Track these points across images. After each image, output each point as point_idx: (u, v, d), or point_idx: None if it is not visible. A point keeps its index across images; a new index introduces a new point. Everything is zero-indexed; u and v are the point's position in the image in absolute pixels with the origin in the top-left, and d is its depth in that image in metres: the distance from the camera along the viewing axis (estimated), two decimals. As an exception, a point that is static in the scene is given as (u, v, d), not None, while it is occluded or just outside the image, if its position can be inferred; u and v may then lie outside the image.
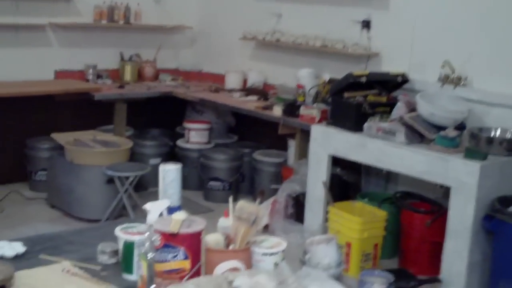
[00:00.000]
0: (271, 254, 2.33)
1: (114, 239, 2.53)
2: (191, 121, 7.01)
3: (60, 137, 5.99)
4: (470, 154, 4.49)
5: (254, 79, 6.94)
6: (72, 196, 5.76)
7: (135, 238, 2.43)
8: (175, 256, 2.16)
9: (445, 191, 4.85)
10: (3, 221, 5.72)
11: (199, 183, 6.78)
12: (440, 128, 4.82)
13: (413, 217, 5.16)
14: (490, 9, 5.17)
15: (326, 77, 5.98)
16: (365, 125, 5.12)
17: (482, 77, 5.20)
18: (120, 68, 7.24)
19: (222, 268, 2.22)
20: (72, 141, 5.91)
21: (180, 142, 6.97)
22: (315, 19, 6.50)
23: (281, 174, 6.35)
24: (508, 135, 4.84)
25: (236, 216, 2.31)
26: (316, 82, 6.16)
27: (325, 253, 2.38)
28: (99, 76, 6.97)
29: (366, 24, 6.01)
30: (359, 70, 5.71)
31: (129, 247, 2.44)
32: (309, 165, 5.49)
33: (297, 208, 5.71)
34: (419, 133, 4.87)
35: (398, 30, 5.80)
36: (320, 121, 5.57)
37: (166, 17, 7.54)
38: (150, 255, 2.20)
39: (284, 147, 6.54)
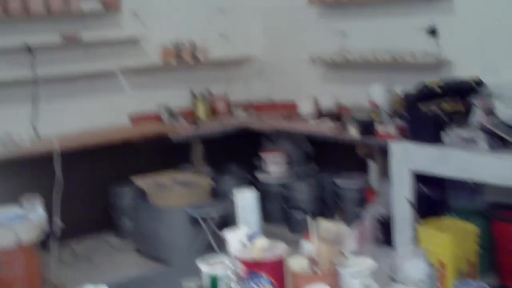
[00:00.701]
0: (359, 274, 2.24)
1: (199, 275, 2.48)
2: (268, 152, 6.96)
3: (141, 181, 6.03)
4: (558, 153, 4.28)
5: (326, 102, 6.86)
6: (158, 240, 5.77)
7: (219, 270, 2.38)
8: (260, 284, 2.09)
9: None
10: (92, 271, 5.79)
11: (282, 215, 6.71)
12: (522, 130, 4.62)
13: (507, 228, 4.94)
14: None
15: (399, 90, 5.85)
16: (445, 136, 4.96)
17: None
18: (193, 106, 7.28)
19: (309, 293, 2.14)
20: (153, 184, 5.94)
21: (259, 175, 6.93)
22: (380, 32, 6.43)
23: (364, 197, 6.23)
24: None
25: (318, 237, 2.24)
26: (389, 97, 6.04)
27: (414, 268, 2.27)
28: (173, 116, 7.02)
29: (433, 31, 5.88)
30: (432, 79, 5.55)
31: (213, 280, 2.38)
32: (391, 185, 5.35)
33: (384, 231, 5.56)
34: (501, 138, 4.68)
35: (466, 33, 5.67)
36: (398, 137, 5.43)
37: (232, 50, 7.59)
38: (234, 286, 2.15)
39: (365, 169, 6.42)
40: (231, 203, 5.68)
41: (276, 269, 2.11)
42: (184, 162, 6.89)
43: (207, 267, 2.42)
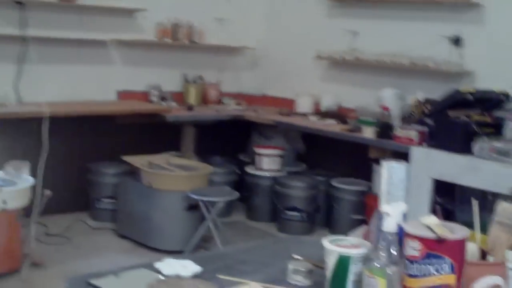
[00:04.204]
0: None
1: (288, 258, 2.19)
2: (262, 146, 6.56)
3: (133, 160, 5.55)
4: None
5: (328, 102, 6.53)
6: (148, 224, 5.30)
7: (352, 251, 2.00)
8: (439, 269, 1.72)
9: None
10: (73, 252, 5.28)
11: (271, 213, 6.34)
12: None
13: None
14: None
15: (419, 96, 5.59)
16: (476, 146, 4.70)
17: None
18: (184, 90, 6.86)
19: (481, 285, 1.79)
20: (147, 165, 5.47)
21: (250, 169, 6.52)
22: (395, 36, 6.15)
23: (363, 203, 5.93)
24: None
25: (497, 221, 1.89)
26: (400, 103, 5.78)
27: None
28: (163, 98, 6.56)
29: (456, 41, 5.66)
30: (454, 88, 5.31)
31: (344, 262, 2.00)
32: (407, 191, 5.04)
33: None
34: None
35: (493, 44, 5.49)
36: (418, 142, 5.16)
37: (229, 38, 7.18)
38: (390, 269, 1.78)
39: (360, 175, 6.13)
40: (230, 192, 5.32)
41: (460, 252, 1.74)
42: (170, 148, 6.42)
43: (338, 247, 2.05)
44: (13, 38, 5.79)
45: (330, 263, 2.04)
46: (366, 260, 1.99)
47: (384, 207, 1.95)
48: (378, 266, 1.85)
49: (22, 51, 5.83)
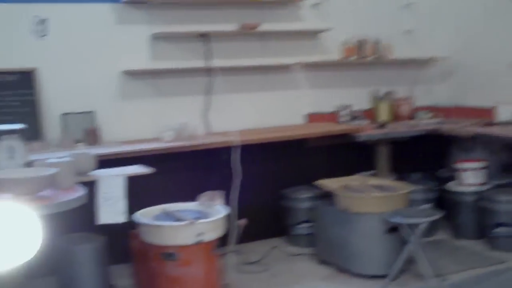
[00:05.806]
0: None
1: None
2: (464, 160, 6.12)
3: (327, 184, 5.34)
4: None
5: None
6: (348, 249, 5.05)
7: None
8: None
9: None
10: (272, 281, 5.13)
11: (478, 230, 5.87)
12: None
13: None
14: None
15: None
16: None
17: None
18: (374, 107, 6.60)
19: None
20: (341, 188, 5.23)
21: (451, 185, 6.09)
22: None
23: None
24: None
25: None
26: None
27: None
28: (353, 118, 6.34)
29: None
30: None
31: None
32: None
33: None
34: None
35: None
36: None
37: (416, 50, 6.86)
38: None
39: None
40: (432, 211, 4.94)
41: None
42: (366, 167, 6.18)
43: None
44: (199, 71, 5.85)
45: None
46: None
47: None
48: None
49: (209, 82, 5.84)
